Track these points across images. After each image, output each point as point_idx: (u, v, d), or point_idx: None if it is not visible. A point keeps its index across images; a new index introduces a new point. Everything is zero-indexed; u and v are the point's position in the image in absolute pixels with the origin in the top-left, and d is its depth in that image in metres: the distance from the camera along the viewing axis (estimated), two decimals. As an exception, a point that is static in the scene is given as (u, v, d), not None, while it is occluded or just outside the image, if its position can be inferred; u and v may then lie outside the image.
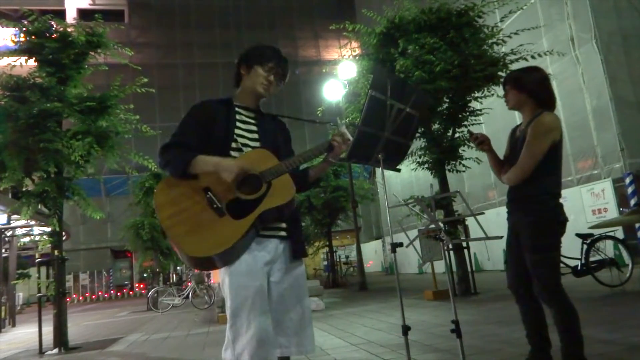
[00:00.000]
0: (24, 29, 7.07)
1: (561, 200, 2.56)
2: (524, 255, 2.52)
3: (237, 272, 1.77)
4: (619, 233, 8.24)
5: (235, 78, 2.12)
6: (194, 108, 2.00)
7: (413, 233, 3.88)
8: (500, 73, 7.84)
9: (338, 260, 18.11)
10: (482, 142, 2.71)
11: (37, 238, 13.63)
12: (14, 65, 7.13)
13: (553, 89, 2.60)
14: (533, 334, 2.58)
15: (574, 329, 2.36)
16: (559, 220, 2.48)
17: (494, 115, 10.79)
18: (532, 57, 7.86)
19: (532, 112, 2.55)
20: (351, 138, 2.03)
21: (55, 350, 6.51)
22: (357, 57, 9.52)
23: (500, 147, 2.84)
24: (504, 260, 12.65)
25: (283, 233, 1.94)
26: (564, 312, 2.38)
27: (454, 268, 8.03)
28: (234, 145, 1.93)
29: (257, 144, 1.99)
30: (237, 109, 2.03)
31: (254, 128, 2.03)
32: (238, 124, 1.98)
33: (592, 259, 6.44)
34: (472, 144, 2.73)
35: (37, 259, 22.09)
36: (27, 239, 15.44)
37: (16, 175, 6.63)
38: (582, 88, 11.21)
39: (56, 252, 6.98)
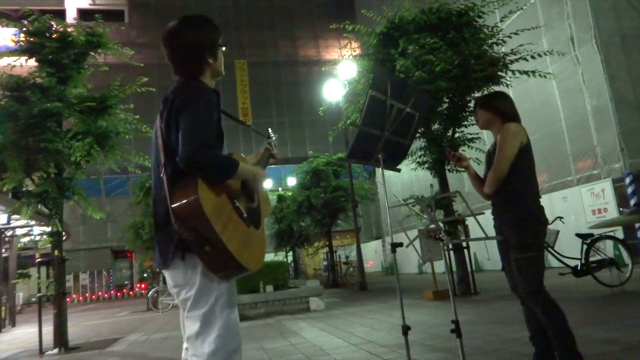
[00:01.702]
0: (24, 29, 7.08)
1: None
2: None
3: (231, 284, 1.77)
4: (619, 233, 8.24)
5: (197, 70, 1.87)
6: (206, 99, 1.76)
7: (413, 233, 3.88)
8: (500, 73, 7.84)
9: (338, 260, 18.11)
10: (460, 160, 2.83)
11: (37, 238, 13.63)
12: (14, 65, 7.13)
13: (517, 110, 2.81)
14: (537, 335, 2.61)
15: (562, 326, 2.41)
16: (540, 220, 2.58)
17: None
18: (532, 57, 7.85)
19: (499, 128, 2.71)
20: (274, 150, 2.14)
21: (55, 350, 6.51)
22: (357, 57, 9.52)
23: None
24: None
25: None
26: (549, 311, 2.44)
27: (454, 268, 8.03)
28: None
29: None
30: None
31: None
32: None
33: (592, 259, 6.44)
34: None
35: (37, 259, 22.09)
36: (27, 239, 15.44)
37: (17, 175, 6.63)
38: (582, 88, 11.21)
39: (56, 252, 6.98)
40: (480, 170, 2.95)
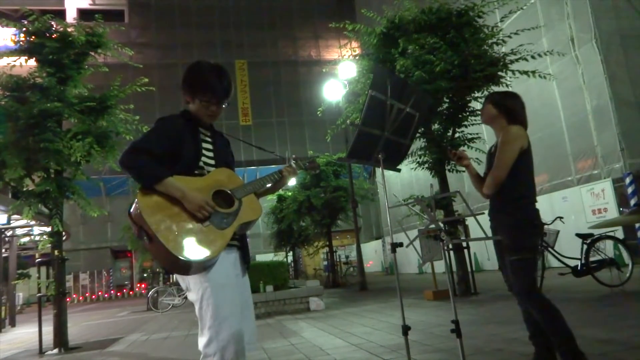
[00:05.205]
0: (24, 29, 7.07)
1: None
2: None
3: (217, 276, 1.91)
4: (619, 233, 8.24)
5: (186, 102, 2.18)
6: (163, 122, 2.04)
7: (413, 233, 3.88)
8: (500, 73, 7.83)
9: (338, 260, 18.11)
10: (461, 158, 2.83)
11: (37, 238, 13.63)
12: (14, 65, 7.12)
13: (527, 115, 2.79)
14: (536, 335, 2.61)
15: (559, 325, 2.41)
16: (535, 223, 2.60)
17: (494, 115, 10.77)
18: (532, 57, 7.85)
19: (502, 128, 2.70)
20: (297, 172, 2.37)
21: (55, 351, 6.51)
22: (357, 57, 9.52)
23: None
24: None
25: (237, 243, 2.10)
26: (544, 310, 2.44)
27: (454, 268, 8.03)
28: (200, 163, 2.06)
29: (212, 161, 2.11)
30: (199, 127, 2.14)
31: (210, 147, 2.14)
32: (202, 143, 2.11)
33: (592, 259, 6.43)
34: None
35: (37, 259, 22.09)
36: (27, 239, 15.43)
37: (17, 171, 6.63)
38: (582, 88, 11.21)
39: (56, 252, 6.97)
40: (481, 169, 2.95)
